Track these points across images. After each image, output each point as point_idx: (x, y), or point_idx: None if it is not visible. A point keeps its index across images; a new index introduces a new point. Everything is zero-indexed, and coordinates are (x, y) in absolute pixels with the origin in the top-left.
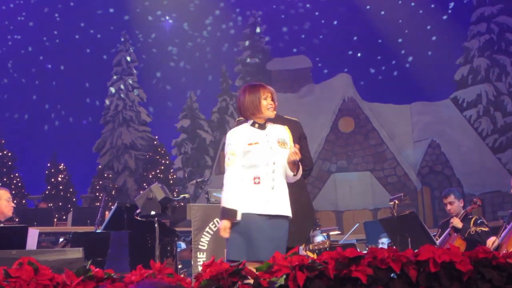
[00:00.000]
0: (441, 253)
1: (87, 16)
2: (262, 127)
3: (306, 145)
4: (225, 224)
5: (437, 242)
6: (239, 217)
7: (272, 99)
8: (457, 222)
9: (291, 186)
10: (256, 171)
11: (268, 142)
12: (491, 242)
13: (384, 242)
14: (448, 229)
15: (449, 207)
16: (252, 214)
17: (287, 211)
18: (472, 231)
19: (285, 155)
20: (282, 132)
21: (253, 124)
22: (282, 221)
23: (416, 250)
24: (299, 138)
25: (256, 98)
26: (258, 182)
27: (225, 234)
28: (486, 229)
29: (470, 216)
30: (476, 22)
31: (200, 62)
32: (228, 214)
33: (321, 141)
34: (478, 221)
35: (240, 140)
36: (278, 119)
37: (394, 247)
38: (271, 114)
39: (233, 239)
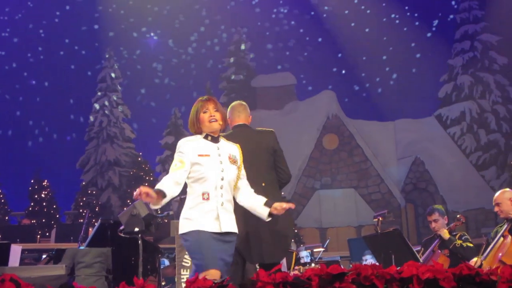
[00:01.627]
0: (425, 270)
1: (72, 33)
2: (214, 140)
3: (281, 157)
4: (151, 194)
5: (421, 259)
6: (161, 202)
7: (217, 110)
8: (444, 233)
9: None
10: (204, 185)
11: (220, 156)
12: (473, 263)
13: (368, 259)
14: (432, 246)
15: (433, 224)
16: (204, 232)
17: (235, 227)
18: (458, 244)
19: (234, 172)
20: (234, 150)
21: (206, 137)
22: (231, 237)
23: (399, 267)
24: (273, 149)
25: (195, 112)
26: (207, 198)
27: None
28: (471, 245)
29: (455, 233)
30: (460, 39)
31: (184, 78)
32: (159, 194)
33: (305, 158)
34: (463, 238)
35: (192, 149)
36: (250, 131)
37: (378, 264)
38: (214, 125)
39: (199, 253)
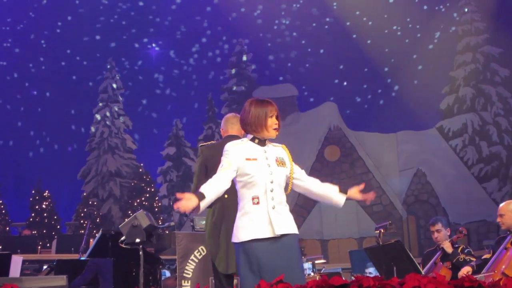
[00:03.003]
0: (426, 281)
1: (74, 43)
2: (262, 143)
3: None
4: (190, 197)
5: (423, 271)
6: (202, 204)
7: (277, 119)
8: (448, 246)
9: None
10: (254, 190)
11: (267, 159)
12: (465, 271)
13: (371, 272)
14: (434, 258)
15: (436, 234)
16: (257, 240)
17: (292, 228)
18: (461, 258)
19: (283, 174)
20: (280, 151)
21: (253, 139)
22: (289, 238)
23: (401, 279)
24: None
25: (263, 113)
26: (258, 202)
27: (182, 196)
28: (474, 259)
29: (457, 245)
30: (462, 51)
31: (186, 89)
32: (197, 195)
33: (307, 169)
34: (465, 251)
35: (239, 153)
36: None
37: (380, 276)
38: (273, 134)
39: (243, 273)
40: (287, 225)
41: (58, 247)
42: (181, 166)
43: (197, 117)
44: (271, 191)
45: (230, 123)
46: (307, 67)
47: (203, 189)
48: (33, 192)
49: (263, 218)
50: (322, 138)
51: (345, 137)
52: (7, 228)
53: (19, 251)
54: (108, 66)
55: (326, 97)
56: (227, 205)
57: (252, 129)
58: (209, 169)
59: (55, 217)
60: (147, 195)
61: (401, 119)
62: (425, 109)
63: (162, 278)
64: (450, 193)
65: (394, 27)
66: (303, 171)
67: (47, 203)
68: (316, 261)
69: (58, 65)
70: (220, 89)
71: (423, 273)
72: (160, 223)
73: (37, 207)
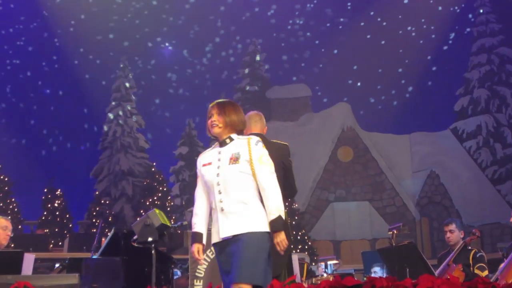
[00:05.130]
0: (440, 283)
1: (87, 42)
2: (222, 144)
3: (291, 172)
4: (197, 247)
5: (436, 272)
6: (204, 240)
7: (221, 114)
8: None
9: None
10: (210, 195)
11: (219, 160)
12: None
13: (376, 271)
14: (447, 260)
15: (448, 235)
16: (215, 244)
17: (241, 228)
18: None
19: (234, 172)
20: (239, 146)
21: (216, 142)
22: (239, 238)
23: (415, 280)
24: (283, 163)
25: (207, 118)
26: (213, 207)
27: (199, 256)
28: (486, 272)
29: (469, 248)
30: (477, 53)
31: (199, 89)
32: (197, 238)
33: (320, 170)
34: (478, 255)
35: (200, 161)
36: (265, 143)
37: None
38: (215, 131)
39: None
40: (235, 226)
41: (70, 245)
42: (194, 166)
43: None
44: (219, 193)
45: (253, 121)
46: (320, 67)
47: (197, 227)
48: (45, 190)
49: (215, 222)
50: (335, 138)
51: (359, 138)
52: (20, 227)
53: (31, 249)
54: (121, 65)
55: (339, 98)
56: None
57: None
58: None
59: (67, 216)
60: (160, 195)
61: (414, 120)
62: (439, 110)
63: (174, 278)
64: (464, 195)
65: (409, 28)
66: (263, 173)
67: (59, 202)
68: (329, 262)
69: (71, 64)
70: (233, 88)
71: (436, 274)
72: (172, 222)
73: (49, 205)
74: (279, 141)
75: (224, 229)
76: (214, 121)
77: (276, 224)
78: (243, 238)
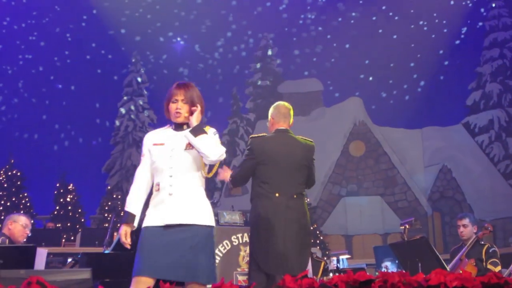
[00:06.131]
0: (452, 278)
1: (99, 37)
2: (178, 128)
3: (314, 168)
4: (125, 229)
5: (448, 267)
6: (135, 223)
7: (187, 103)
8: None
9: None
10: (157, 176)
11: (174, 143)
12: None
13: (387, 265)
14: (459, 254)
15: (462, 229)
16: (150, 227)
17: (190, 219)
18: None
19: (189, 157)
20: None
21: (171, 125)
22: (185, 229)
23: (427, 275)
24: (309, 163)
25: (166, 99)
26: (158, 189)
27: (126, 239)
28: (499, 267)
29: (482, 243)
30: (489, 47)
31: (211, 84)
32: (129, 218)
33: (332, 164)
34: (490, 250)
35: (149, 139)
36: (293, 141)
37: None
38: (179, 120)
39: (136, 256)
40: (184, 215)
41: (82, 240)
42: None
43: (221, 111)
44: (170, 176)
45: (282, 115)
46: (332, 62)
47: (132, 208)
48: (57, 185)
49: (158, 205)
50: (347, 133)
51: (370, 133)
52: (32, 221)
53: (43, 244)
54: (133, 60)
55: (351, 92)
56: (277, 201)
57: (166, 115)
58: (259, 160)
59: (79, 211)
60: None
61: (427, 114)
62: (451, 104)
63: None
64: (476, 189)
65: (421, 22)
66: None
67: (71, 197)
68: (341, 257)
69: (83, 59)
70: (245, 83)
71: (448, 269)
72: None
73: (61, 200)
74: (305, 139)
75: (171, 215)
76: (180, 109)
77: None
78: (193, 231)
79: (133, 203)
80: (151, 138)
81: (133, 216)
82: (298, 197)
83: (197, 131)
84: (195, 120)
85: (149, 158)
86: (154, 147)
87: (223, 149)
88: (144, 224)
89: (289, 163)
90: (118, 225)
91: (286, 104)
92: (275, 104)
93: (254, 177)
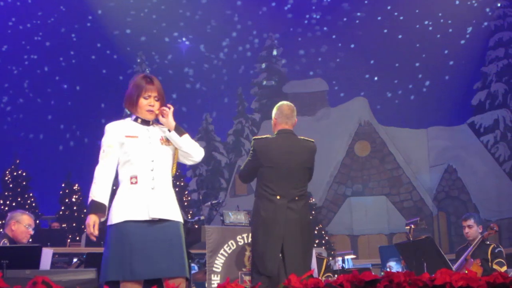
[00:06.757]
0: (458, 278)
1: (104, 37)
2: (145, 123)
3: (313, 170)
4: (94, 219)
5: (454, 267)
6: (106, 214)
7: (159, 100)
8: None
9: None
10: (132, 169)
11: (150, 138)
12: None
13: (392, 265)
14: (465, 254)
15: (467, 230)
16: (131, 222)
17: (172, 215)
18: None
19: (167, 153)
20: (165, 131)
21: (136, 119)
22: (168, 225)
23: (432, 275)
24: (309, 164)
25: (136, 93)
26: (136, 182)
27: (94, 230)
28: (505, 267)
29: (488, 243)
30: (494, 47)
31: (216, 84)
32: (97, 208)
33: (337, 164)
34: (496, 250)
35: (117, 131)
36: (296, 142)
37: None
38: (147, 116)
39: (111, 254)
40: (166, 210)
41: (88, 240)
42: (211, 161)
43: (227, 111)
44: (152, 170)
45: (285, 116)
46: (337, 62)
47: (100, 198)
48: (63, 185)
49: (140, 199)
50: (353, 133)
51: (376, 133)
52: (37, 221)
53: (49, 244)
54: (138, 60)
55: (356, 92)
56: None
57: (129, 107)
58: (261, 163)
59: (85, 211)
60: (176, 189)
61: (432, 114)
62: (456, 104)
63: (192, 272)
64: (481, 189)
65: (426, 22)
66: None
67: (76, 197)
68: (346, 257)
69: (89, 59)
70: (250, 83)
71: (454, 269)
72: (189, 217)
73: (66, 200)
74: (307, 139)
75: (156, 209)
76: (152, 106)
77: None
78: (173, 227)
79: (101, 193)
80: (120, 130)
81: (104, 206)
82: (300, 199)
83: (180, 131)
84: (172, 119)
85: (118, 149)
86: (128, 139)
87: (203, 150)
88: (122, 218)
89: (291, 165)
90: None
91: (289, 104)
92: (278, 104)
93: (257, 178)
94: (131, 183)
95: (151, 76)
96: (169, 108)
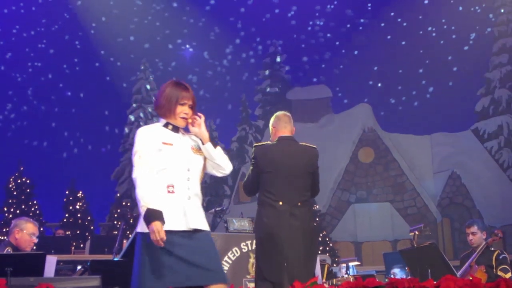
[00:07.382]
0: (462, 284)
1: (108, 44)
2: (176, 130)
3: (318, 175)
4: (158, 226)
5: (458, 273)
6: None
7: (192, 108)
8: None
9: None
10: (169, 177)
11: (183, 146)
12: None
13: (396, 272)
14: (469, 261)
15: (471, 237)
16: (169, 232)
17: (206, 225)
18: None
19: (199, 162)
20: (195, 139)
21: (166, 125)
22: (204, 235)
23: (437, 281)
24: (313, 169)
25: (174, 98)
26: (173, 191)
27: (161, 236)
28: (510, 274)
29: (492, 249)
30: (498, 53)
31: (220, 90)
32: (155, 216)
33: (341, 171)
34: (501, 257)
35: (154, 137)
36: (296, 147)
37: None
38: (181, 123)
39: (147, 262)
40: (201, 220)
41: (92, 247)
42: None
43: (230, 118)
44: (188, 180)
45: (283, 122)
46: (341, 68)
47: (157, 206)
48: (67, 192)
49: (177, 208)
50: (356, 139)
51: (379, 139)
52: (41, 229)
53: (53, 251)
54: (142, 67)
55: (360, 99)
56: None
57: (162, 113)
58: (262, 169)
59: (89, 218)
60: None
61: (435, 120)
62: (460, 110)
63: None
64: (485, 195)
65: (429, 28)
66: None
67: (80, 204)
68: (350, 263)
69: (92, 66)
70: (253, 90)
71: (458, 276)
72: None
73: (70, 207)
74: (308, 144)
75: (194, 219)
76: (186, 114)
77: None
78: (209, 236)
79: (156, 201)
80: (156, 136)
81: (161, 213)
82: (303, 205)
83: (213, 143)
84: (205, 129)
85: (155, 156)
86: (165, 146)
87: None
88: (164, 228)
89: (292, 171)
90: (127, 232)
91: (285, 112)
92: (274, 115)
93: (259, 185)
94: (168, 191)
95: (185, 83)
96: (200, 117)
